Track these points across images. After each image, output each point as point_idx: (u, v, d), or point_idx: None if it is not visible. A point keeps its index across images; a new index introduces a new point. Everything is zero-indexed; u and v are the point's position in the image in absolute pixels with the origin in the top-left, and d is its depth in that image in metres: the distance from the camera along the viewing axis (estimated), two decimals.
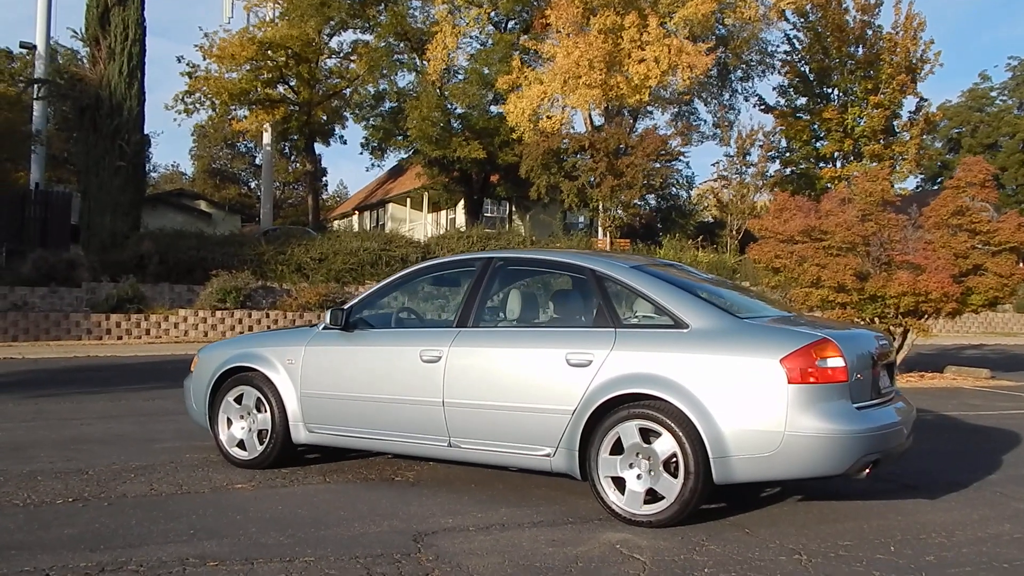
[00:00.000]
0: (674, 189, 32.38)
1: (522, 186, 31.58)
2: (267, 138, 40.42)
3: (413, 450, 5.99)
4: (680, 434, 4.91)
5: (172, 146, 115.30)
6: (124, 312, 20.06)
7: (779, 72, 34.87)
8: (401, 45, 35.05)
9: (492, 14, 33.99)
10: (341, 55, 39.77)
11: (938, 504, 5.83)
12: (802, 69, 33.45)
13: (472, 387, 5.62)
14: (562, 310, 6.12)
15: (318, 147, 44.60)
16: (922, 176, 46.41)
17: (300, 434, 6.29)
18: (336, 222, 48.87)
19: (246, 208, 55.29)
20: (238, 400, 6.53)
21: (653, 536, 4.86)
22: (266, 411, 6.37)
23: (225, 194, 58.75)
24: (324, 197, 65.13)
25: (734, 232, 31.13)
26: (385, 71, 35.48)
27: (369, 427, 6.03)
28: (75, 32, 26.85)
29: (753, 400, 4.86)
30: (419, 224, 39.17)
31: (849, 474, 4.93)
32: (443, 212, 39.78)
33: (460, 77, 33.80)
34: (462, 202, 36.61)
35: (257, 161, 57.20)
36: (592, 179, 28.98)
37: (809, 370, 4.81)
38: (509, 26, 35.27)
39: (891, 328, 13.45)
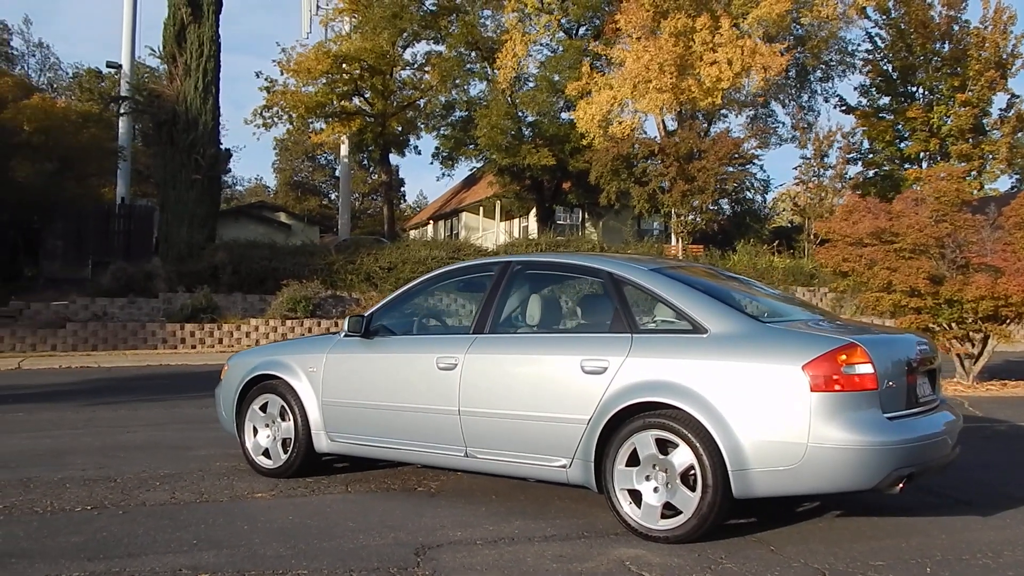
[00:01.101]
0: (749, 193, 31.68)
1: (594, 193, 31.27)
2: (344, 150, 40.87)
3: (430, 460, 5.83)
4: (697, 445, 4.65)
5: (255, 160, 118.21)
6: (198, 321, 20.43)
7: (860, 71, 33.94)
8: (472, 55, 35.07)
9: (562, 21, 33.76)
10: (415, 66, 40.05)
11: (991, 521, 5.42)
12: (884, 67, 32.49)
13: (488, 395, 5.43)
14: (579, 315, 5.91)
15: (395, 158, 44.96)
16: (1017, 176, 44.50)
17: (322, 443, 6.19)
18: (412, 232, 49.17)
19: (326, 219, 56.09)
20: (263, 408, 6.47)
21: (668, 553, 4.61)
22: (289, 420, 6.29)
23: (306, 206, 59.74)
24: (403, 207, 65.83)
25: (812, 236, 30.30)
26: (458, 81, 35.54)
27: (388, 436, 5.89)
28: (152, 50, 27.63)
29: (774, 409, 4.58)
30: (492, 233, 39.15)
31: (880, 489, 4.60)
32: (516, 220, 39.68)
33: (531, 85, 33.66)
34: (534, 210, 36.44)
35: (337, 173, 57.91)
36: (663, 184, 28.53)
37: (834, 377, 4.50)
38: (580, 32, 35.03)
39: (971, 334, 12.86)
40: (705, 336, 4.88)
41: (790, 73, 33.66)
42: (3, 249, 25.23)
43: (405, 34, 36.59)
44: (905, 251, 12.36)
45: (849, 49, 35.27)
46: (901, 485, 4.60)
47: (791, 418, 4.53)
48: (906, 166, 32.25)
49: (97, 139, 28.61)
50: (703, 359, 4.80)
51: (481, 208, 41.54)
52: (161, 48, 25.81)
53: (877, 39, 32.54)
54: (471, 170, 42.31)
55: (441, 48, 36.57)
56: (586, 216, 37.59)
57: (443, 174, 47.47)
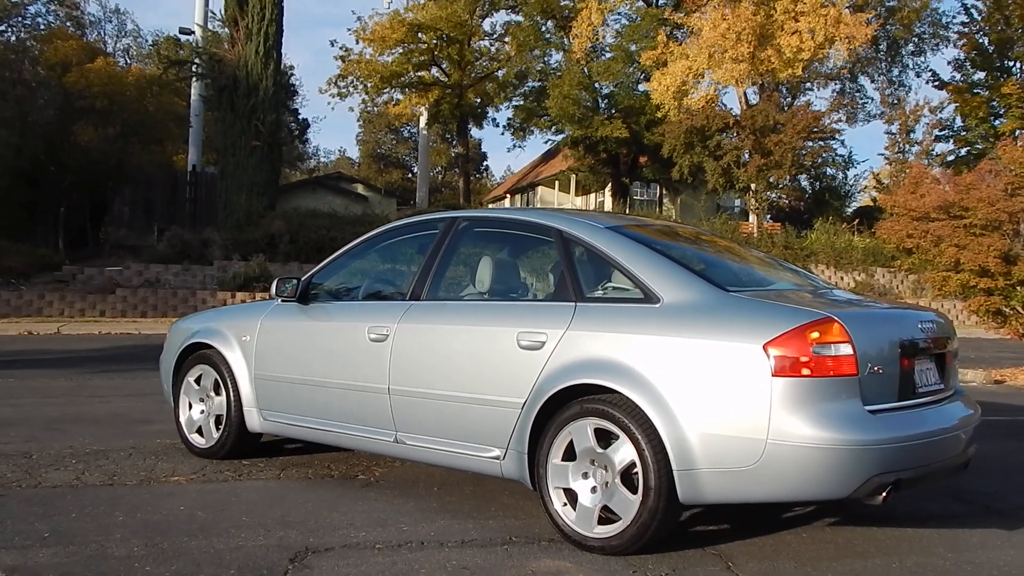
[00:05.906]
0: (829, 170, 30.06)
1: (670, 168, 30.07)
2: (422, 121, 40.40)
3: (360, 444, 5.08)
4: (640, 438, 3.81)
5: (340, 132, 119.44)
6: (250, 291, 20.01)
7: (954, 45, 32.08)
8: (549, 24, 34.09)
9: None
10: (493, 36, 39.22)
11: (1015, 537, 4.45)
12: (980, 41, 30.63)
13: (418, 372, 4.67)
14: (526, 280, 5.07)
15: (478, 133, 44.33)
16: None
17: (255, 421, 5.48)
18: (489, 205, 48.49)
19: (408, 192, 55.73)
20: (197, 381, 5.79)
21: (598, 567, 3.80)
22: (223, 395, 5.60)
23: (387, 178, 59.52)
24: (484, 181, 65.24)
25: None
26: (536, 52, 34.63)
27: (319, 416, 5.14)
28: (214, 14, 27.35)
29: (728, 397, 3.71)
30: (567, 207, 38.24)
31: (858, 499, 3.70)
32: (592, 195, 38.68)
33: (607, 55, 32.50)
34: (610, 184, 35.37)
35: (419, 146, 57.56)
36: (739, 158, 27.21)
37: (802, 359, 3.61)
38: (660, 2, 33.70)
39: None
40: (657, 306, 4.03)
41: (880, 47, 31.95)
42: (69, 214, 25.22)
43: (482, 3, 35.83)
44: (975, 227, 11.20)
45: (943, 21, 33.48)
46: (884, 494, 3.67)
47: (748, 408, 3.66)
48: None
49: (165, 105, 28.52)
50: (651, 334, 3.95)
51: (556, 182, 40.65)
52: (223, 12, 25.47)
53: (973, 11, 30.74)
54: (545, 142, 41.39)
55: (519, 18, 35.71)
56: (663, 191, 36.40)
57: (514, 145, 46.55)
